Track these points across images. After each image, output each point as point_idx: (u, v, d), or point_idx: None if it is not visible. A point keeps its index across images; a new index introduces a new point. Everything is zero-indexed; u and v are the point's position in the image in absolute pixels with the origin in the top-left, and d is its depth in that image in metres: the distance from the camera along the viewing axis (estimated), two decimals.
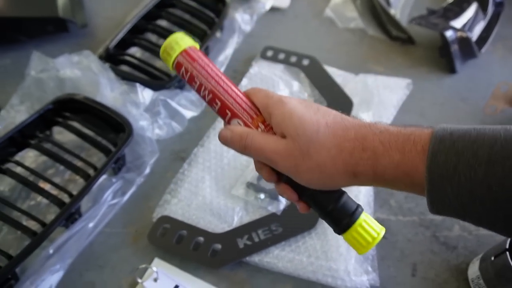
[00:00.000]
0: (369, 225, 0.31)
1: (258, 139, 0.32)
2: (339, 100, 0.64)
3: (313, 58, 0.71)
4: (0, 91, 0.64)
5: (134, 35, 0.69)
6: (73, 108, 0.57)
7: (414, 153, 0.28)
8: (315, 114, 0.31)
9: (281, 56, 0.71)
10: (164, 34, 0.70)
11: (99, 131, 0.56)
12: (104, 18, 0.79)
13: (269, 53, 0.72)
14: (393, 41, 0.78)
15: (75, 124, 0.56)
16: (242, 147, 0.32)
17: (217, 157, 0.57)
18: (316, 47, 0.77)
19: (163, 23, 0.73)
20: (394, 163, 0.29)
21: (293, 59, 0.71)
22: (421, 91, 0.69)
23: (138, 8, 0.79)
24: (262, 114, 0.34)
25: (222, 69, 0.69)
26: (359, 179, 0.30)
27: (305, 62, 0.70)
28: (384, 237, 0.51)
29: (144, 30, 0.71)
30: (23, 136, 0.54)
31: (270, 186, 0.52)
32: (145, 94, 0.57)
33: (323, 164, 0.30)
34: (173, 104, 0.60)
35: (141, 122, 0.55)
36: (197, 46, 0.36)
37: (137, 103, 0.56)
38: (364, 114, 0.61)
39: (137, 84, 0.57)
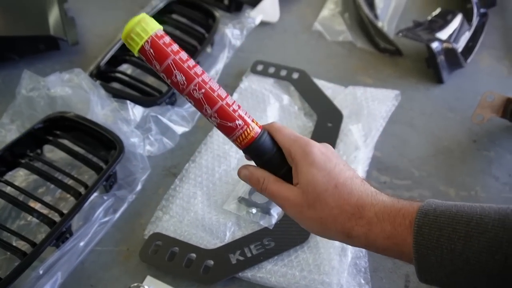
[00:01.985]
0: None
1: (272, 186, 0.37)
2: (329, 113, 0.65)
3: (302, 71, 0.72)
4: None
5: (125, 52, 0.70)
6: (63, 126, 0.57)
7: (403, 227, 0.32)
8: (329, 173, 0.35)
9: (271, 70, 0.72)
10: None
11: (90, 148, 0.56)
12: (95, 35, 0.79)
13: (259, 67, 0.73)
14: (381, 53, 0.79)
15: (66, 142, 0.56)
16: (259, 189, 0.37)
17: (208, 172, 0.57)
18: (306, 60, 0.78)
19: None
20: (385, 233, 0.32)
21: (283, 72, 0.72)
22: (410, 102, 0.70)
23: None
24: (283, 149, 0.37)
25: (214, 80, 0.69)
26: (352, 241, 0.34)
27: (295, 75, 0.71)
28: None
29: None
30: (13, 155, 0.54)
31: (262, 200, 0.52)
32: (136, 111, 0.57)
33: (324, 219, 0.34)
34: (164, 120, 0.61)
35: (132, 139, 0.55)
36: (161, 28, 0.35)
37: (128, 120, 0.56)
38: (354, 126, 0.62)
39: (128, 101, 0.57)
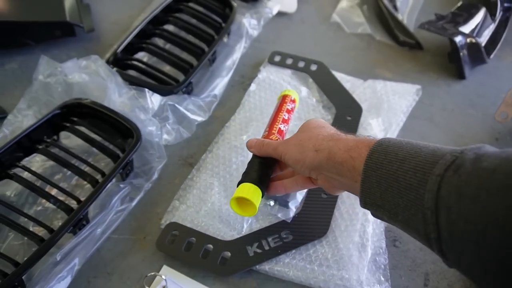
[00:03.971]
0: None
1: (269, 145, 0.46)
2: (348, 106, 0.64)
3: (321, 63, 0.70)
4: (7, 95, 0.63)
5: (142, 40, 0.69)
6: (80, 113, 0.56)
7: (363, 147, 0.37)
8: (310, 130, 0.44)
9: (289, 61, 0.71)
10: (171, 38, 0.70)
11: (106, 136, 0.55)
12: (110, 22, 0.79)
13: (277, 58, 0.71)
14: (401, 46, 0.78)
15: (83, 129, 0.56)
16: (260, 151, 0.45)
17: (225, 163, 0.56)
18: (324, 52, 0.76)
19: (170, 27, 0.73)
20: (347, 147, 0.38)
21: (301, 64, 0.70)
22: (430, 97, 0.68)
23: (145, 13, 0.79)
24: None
25: (230, 74, 0.68)
26: (317, 154, 0.40)
27: (313, 67, 0.70)
28: (395, 245, 0.51)
29: (152, 35, 0.71)
30: (31, 141, 0.53)
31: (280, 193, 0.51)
32: (154, 99, 0.56)
33: (303, 140, 0.43)
34: (181, 109, 0.60)
35: (149, 128, 0.54)
36: None
37: (145, 108, 0.55)
38: (374, 120, 0.61)
39: (146, 90, 0.56)
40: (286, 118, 0.52)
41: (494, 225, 0.27)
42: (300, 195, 0.52)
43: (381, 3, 0.82)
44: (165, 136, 0.56)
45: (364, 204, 0.36)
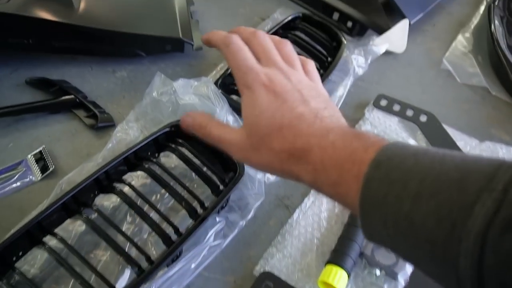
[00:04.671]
0: None
1: (215, 131, 0.37)
2: None
3: (431, 115, 0.65)
4: (115, 103, 0.65)
5: None
6: (185, 134, 0.56)
7: (350, 175, 0.28)
8: (274, 113, 0.32)
9: (396, 107, 0.66)
10: None
11: (208, 163, 0.54)
12: None
13: (383, 102, 0.67)
14: None
15: (184, 151, 0.55)
16: (203, 135, 0.38)
17: (325, 214, 0.52)
18: (432, 101, 0.71)
19: None
20: (330, 181, 0.29)
21: (409, 112, 0.65)
22: None
23: None
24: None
25: None
26: (303, 183, 0.32)
27: (423, 118, 0.64)
28: None
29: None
30: (136, 157, 0.53)
31: (387, 261, 0.46)
32: None
33: (271, 163, 0.33)
34: None
35: None
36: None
37: None
38: None
39: None
40: None
41: None
42: (410, 266, 0.47)
43: (499, 52, 0.75)
44: (268, 174, 0.54)
45: (369, 239, 0.28)
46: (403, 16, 0.82)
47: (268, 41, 0.39)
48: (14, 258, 0.44)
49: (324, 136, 0.30)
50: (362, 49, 0.74)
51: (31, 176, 0.54)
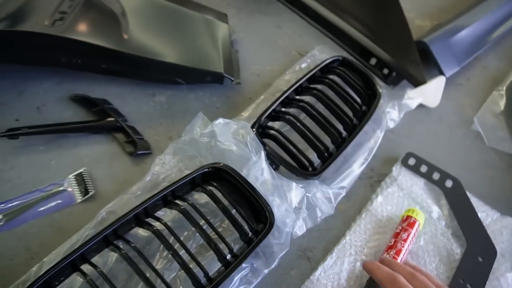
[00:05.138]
0: None
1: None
2: (480, 243, 0.59)
3: (457, 181, 0.66)
4: (153, 128, 0.67)
5: (282, 107, 0.69)
6: (219, 176, 0.58)
7: None
8: None
9: (423, 168, 0.68)
10: (311, 113, 0.69)
11: (240, 210, 0.56)
12: (251, 73, 0.80)
13: (411, 161, 0.68)
14: None
15: (217, 193, 0.57)
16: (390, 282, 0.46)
17: (346, 274, 0.54)
18: (458, 162, 0.72)
19: (307, 98, 0.72)
20: None
21: (436, 176, 0.67)
22: None
23: (288, 74, 0.79)
24: None
25: (363, 168, 0.67)
26: None
27: (448, 183, 0.66)
28: None
29: (290, 103, 0.71)
30: (172, 194, 0.56)
31: None
32: (298, 192, 0.56)
33: None
34: (310, 196, 0.59)
35: (286, 219, 0.54)
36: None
37: (286, 199, 0.55)
38: (510, 274, 0.56)
39: (293, 182, 0.56)
40: (405, 237, 0.56)
41: None
42: None
43: None
44: (296, 228, 0.56)
45: None
46: (439, 68, 0.83)
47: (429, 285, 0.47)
48: (56, 283, 0.47)
49: None
50: (396, 103, 0.75)
51: (72, 198, 0.57)
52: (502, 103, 0.82)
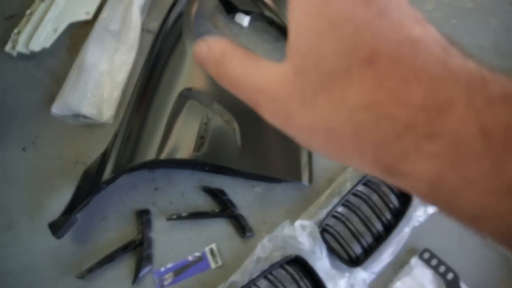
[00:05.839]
0: None
1: (236, 65, 0.22)
2: None
3: (456, 274, 0.96)
4: (253, 216, 1.03)
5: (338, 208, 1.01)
6: (298, 266, 0.93)
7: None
8: (363, 27, 0.18)
9: (433, 262, 0.98)
10: (359, 214, 1.00)
11: None
12: (320, 169, 1.10)
13: (426, 255, 0.98)
14: None
15: (295, 275, 0.93)
16: (216, 75, 0.22)
17: None
18: (463, 256, 1.00)
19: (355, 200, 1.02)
20: (484, 170, 0.17)
21: (441, 269, 0.97)
22: None
23: (348, 172, 1.09)
24: None
25: (391, 257, 0.99)
26: (398, 180, 0.19)
27: (449, 276, 0.96)
28: None
29: (344, 204, 1.02)
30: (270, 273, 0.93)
31: None
32: (345, 280, 0.91)
33: (336, 132, 0.19)
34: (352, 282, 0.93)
35: None
36: None
37: (337, 284, 0.91)
38: None
39: (347, 273, 0.91)
40: None
41: None
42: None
43: None
44: None
45: None
46: None
47: None
48: None
49: (479, 86, 0.17)
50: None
51: (207, 265, 0.96)
52: None
